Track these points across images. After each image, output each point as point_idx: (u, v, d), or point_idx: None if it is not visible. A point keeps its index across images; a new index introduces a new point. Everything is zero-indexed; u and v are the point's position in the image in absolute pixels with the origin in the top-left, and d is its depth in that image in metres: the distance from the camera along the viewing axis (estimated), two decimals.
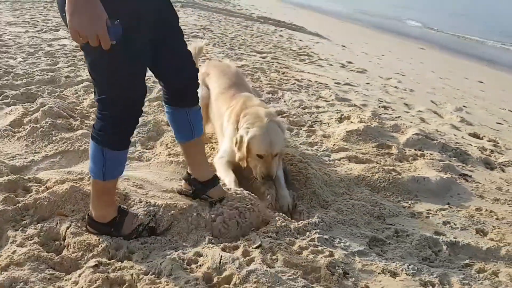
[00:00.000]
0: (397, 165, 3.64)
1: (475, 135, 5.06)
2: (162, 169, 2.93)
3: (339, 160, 3.62)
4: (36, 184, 2.51)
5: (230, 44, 8.66)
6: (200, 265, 2.03)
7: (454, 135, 4.84)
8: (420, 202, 3.08)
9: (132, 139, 3.20)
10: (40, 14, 10.14)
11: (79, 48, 6.77)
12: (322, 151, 3.79)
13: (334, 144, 3.93)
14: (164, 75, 2.29)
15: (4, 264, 1.91)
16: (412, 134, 4.23)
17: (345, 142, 4.00)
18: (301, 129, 4.28)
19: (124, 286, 1.88)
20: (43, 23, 8.91)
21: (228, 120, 3.12)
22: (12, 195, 2.35)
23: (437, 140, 4.19)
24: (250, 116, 2.93)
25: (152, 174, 2.84)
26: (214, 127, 3.50)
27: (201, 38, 8.84)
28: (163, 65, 2.23)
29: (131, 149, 3.14)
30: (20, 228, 2.17)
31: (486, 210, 3.03)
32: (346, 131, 4.16)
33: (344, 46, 12.40)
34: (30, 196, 2.37)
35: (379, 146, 4.00)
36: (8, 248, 2.03)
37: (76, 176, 2.67)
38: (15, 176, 2.54)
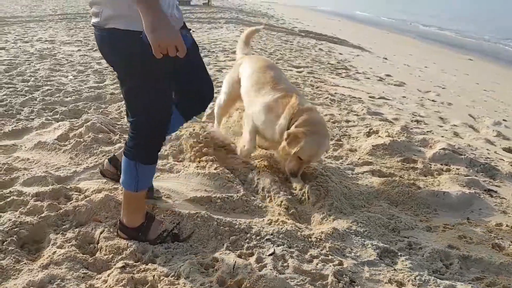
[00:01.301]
0: (420, 179, 3.71)
1: (510, 150, 5.00)
2: (189, 180, 3.16)
3: (362, 174, 3.73)
4: (76, 193, 2.81)
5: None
6: (216, 270, 2.23)
7: (487, 149, 4.82)
8: (438, 216, 3.15)
9: (165, 152, 3.50)
10: (92, 33, 10.80)
11: None
12: (347, 164, 3.91)
13: (359, 158, 4.04)
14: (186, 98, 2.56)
15: (45, 263, 2.19)
16: (439, 149, 4.27)
17: (371, 156, 4.11)
18: None
19: (147, 286, 2.10)
20: (94, 42, 9.49)
21: (274, 115, 3.31)
22: (55, 203, 2.65)
23: (465, 155, 4.20)
24: (311, 123, 3.16)
25: (179, 185, 3.08)
26: (244, 99, 3.70)
27: None
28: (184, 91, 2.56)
29: (163, 162, 3.42)
30: (61, 232, 2.45)
31: (507, 226, 3.05)
32: (372, 145, 4.26)
33: (385, 59, 12.36)
34: (70, 203, 2.66)
35: (404, 161, 4.07)
36: (49, 249, 2.30)
37: (111, 186, 2.95)
38: (58, 185, 2.85)
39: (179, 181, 3.15)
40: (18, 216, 2.47)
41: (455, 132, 5.46)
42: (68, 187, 2.87)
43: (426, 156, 4.22)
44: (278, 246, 2.46)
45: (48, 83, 5.82)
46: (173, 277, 2.15)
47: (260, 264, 2.30)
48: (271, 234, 2.55)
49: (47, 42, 9.40)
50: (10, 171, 3.07)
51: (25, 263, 2.19)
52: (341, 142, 4.48)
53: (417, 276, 2.34)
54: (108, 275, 2.15)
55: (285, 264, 2.31)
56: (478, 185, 3.67)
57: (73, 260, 2.22)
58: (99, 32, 2.13)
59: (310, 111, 3.25)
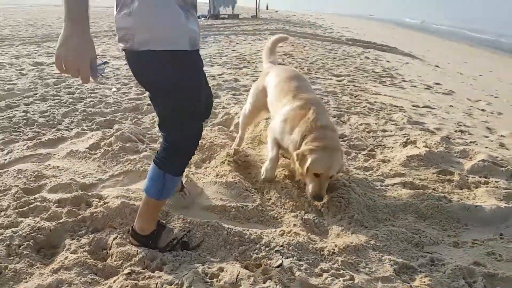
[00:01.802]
0: (455, 192, 3.51)
1: None
2: (206, 188, 3.16)
3: (392, 186, 3.58)
4: (96, 200, 2.88)
5: (307, 69, 8.84)
6: (219, 280, 2.20)
7: None
8: (468, 232, 2.95)
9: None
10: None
11: None
12: (377, 176, 3.78)
13: (391, 169, 3.89)
14: None
15: (56, 268, 2.25)
16: (479, 161, 4.03)
17: (404, 167, 3.94)
18: (360, 153, 4.29)
19: None
20: None
21: (289, 126, 3.25)
22: (75, 209, 2.74)
23: (507, 167, 3.94)
24: (319, 139, 3.07)
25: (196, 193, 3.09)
26: (271, 109, 3.69)
27: (283, 65, 9.15)
28: None
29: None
30: (76, 237, 2.52)
31: None
32: (407, 156, 4.09)
33: (437, 67, 11.94)
34: (89, 210, 2.73)
35: (440, 173, 3.87)
36: (63, 254, 2.37)
37: (131, 193, 3.01)
38: (80, 192, 2.95)
39: (194, 189, 3.16)
40: (38, 222, 2.57)
41: (501, 143, 5.13)
42: (90, 194, 2.96)
43: (464, 168, 4.00)
44: (287, 258, 2.39)
45: (92, 95, 6.07)
46: (176, 286, 2.14)
47: (266, 276, 2.24)
48: (281, 246, 2.49)
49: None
50: (39, 178, 3.21)
51: (37, 267, 2.27)
52: (374, 153, 4.34)
53: None
54: (114, 281, 2.17)
55: (292, 277, 2.24)
56: None
57: (83, 266, 2.27)
58: (133, 55, 2.14)
59: (323, 129, 3.14)
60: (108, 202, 2.78)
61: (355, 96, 6.76)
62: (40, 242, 2.47)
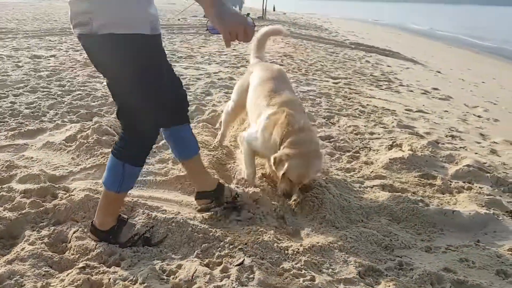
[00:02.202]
0: (435, 196, 3.45)
1: None
2: (179, 184, 3.12)
3: (371, 188, 3.51)
4: (63, 192, 2.84)
5: (305, 70, 8.78)
6: (176, 277, 2.15)
7: None
8: (443, 237, 2.88)
9: (166, 157, 3.47)
10: None
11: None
12: (357, 177, 3.71)
13: (372, 171, 3.83)
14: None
15: (11, 259, 2.21)
16: (464, 166, 3.96)
17: (386, 170, 3.88)
18: (344, 155, 4.23)
19: None
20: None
21: (268, 136, 3.14)
22: (39, 200, 2.70)
23: (491, 173, 3.86)
24: (297, 144, 2.95)
25: (168, 189, 3.04)
26: (248, 113, 3.64)
27: (281, 65, 9.10)
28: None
29: (161, 165, 3.40)
30: (37, 229, 2.48)
31: None
32: (390, 159, 4.02)
33: (438, 72, 11.83)
34: (53, 202, 2.69)
35: (422, 176, 3.81)
36: (21, 245, 2.33)
37: (100, 186, 2.96)
38: (48, 184, 2.91)
39: (169, 185, 3.11)
40: (0, 212, 2.52)
41: (493, 149, 5.05)
42: (57, 186, 2.92)
43: (448, 172, 3.92)
44: (249, 256, 2.33)
45: (82, 88, 6.04)
46: (129, 282, 2.10)
47: (224, 274, 2.19)
48: (245, 244, 2.43)
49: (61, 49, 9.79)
50: (11, 168, 3.18)
51: None
52: (358, 155, 4.27)
53: None
54: (67, 275, 2.13)
55: (251, 276, 2.19)
56: (500, 206, 3.33)
57: (38, 258, 2.23)
58: (92, 40, 2.10)
59: (300, 132, 3.02)
60: (73, 195, 2.73)
61: (348, 99, 6.69)
62: (0, 232, 2.42)
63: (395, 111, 6.29)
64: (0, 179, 3.03)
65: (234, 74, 7.89)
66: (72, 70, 7.30)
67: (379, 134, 4.98)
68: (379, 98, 7.10)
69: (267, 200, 3.04)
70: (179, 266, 2.23)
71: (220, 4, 2.02)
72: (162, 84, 2.28)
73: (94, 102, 5.34)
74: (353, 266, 2.38)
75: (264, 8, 26.24)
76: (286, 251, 2.44)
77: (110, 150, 3.36)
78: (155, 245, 2.44)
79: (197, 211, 2.81)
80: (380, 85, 8.37)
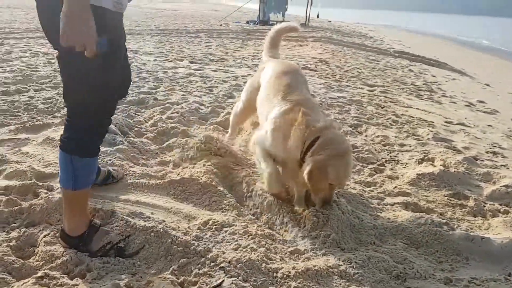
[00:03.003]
0: (465, 219, 3.02)
1: None
2: (172, 189, 2.85)
3: (392, 205, 3.12)
4: (45, 191, 2.63)
5: (339, 76, 8.38)
6: None
7: None
8: (467, 267, 2.46)
9: (167, 159, 3.22)
10: (178, 47, 11.10)
11: (189, 74, 7.23)
12: (377, 193, 3.33)
13: (396, 187, 3.43)
14: None
15: None
16: (502, 186, 3.49)
17: (412, 186, 3.47)
18: (367, 167, 3.85)
19: None
20: (174, 54, 9.70)
21: (282, 135, 2.78)
22: (17, 198, 2.49)
23: None
24: (330, 144, 2.63)
25: (160, 194, 2.78)
26: (258, 112, 3.29)
27: (313, 70, 8.76)
28: None
29: (159, 168, 3.15)
30: (7, 230, 2.27)
31: None
32: (417, 174, 3.61)
33: (487, 85, 11.10)
34: (30, 201, 2.48)
35: (453, 196, 3.37)
36: None
37: None
38: (32, 181, 2.70)
39: (159, 190, 2.84)
40: None
41: None
42: (41, 184, 2.72)
43: (483, 193, 3.46)
44: (230, 277, 2.02)
45: None
46: None
47: None
48: (229, 262, 2.12)
49: (132, 51, 9.79)
50: (1, 162, 3.01)
51: None
52: (382, 168, 3.87)
53: None
54: (22, 284, 1.89)
55: None
56: None
57: None
58: (46, 4, 1.90)
59: (325, 130, 2.68)
60: (52, 195, 2.51)
61: (382, 107, 6.25)
62: None
63: (432, 122, 5.80)
64: None
65: None
66: None
67: (410, 146, 4.54)
68: (417, 108, 6.61)
69: (267, 215, 2.72)
70: (148, 283, 1.95)
71: (76, 5, 1.71)
72: (116, 65, 2.03)
73: None
74: None
75: (307, 15, 25.89)
76: (275, 274, 2.11)
77: (107, 149, 3.22)
78: (128, 256, 2.17)
79: None
80: (421, 95, 7.86)
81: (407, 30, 37.25)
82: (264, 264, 2.15)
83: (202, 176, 2.96)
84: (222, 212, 2.68)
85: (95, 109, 2.03)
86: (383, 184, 3.50)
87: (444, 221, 2.81)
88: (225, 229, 2.45)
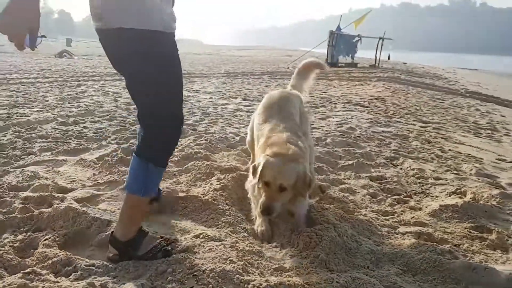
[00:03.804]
0: (482, 252, 2.83)
1: None
2: (174, 205, 2.98)
3: (404, 234, 3.00)
4: (58, 202, 2.87)
5: (392, 112, 8.22)
6: None
7: None
8: None
9: (182, 180, 3.39)
10: (237, 87, 11.55)
11: (237, 110, 7.49)
12: (392, 222, 3.21)
13: (413, 217, 3.29)
14: None
15: None
16: None
17: (431, 217, 3.32)
18: (390, 197, 3.73)
19: None
20: (231, 93, 10.12)
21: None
22: (30, 207, 2.76)
23: None
24: (271, 145, 2.85)
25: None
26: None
27: (364, 106, 8.69)
28: None
29: (170, 186, 3.31)
30: (15, 233, 2.51)
31: None
32: (440, 205, 3.45)
33: None
34: (41, 209, 2.73)
35: (475, 228, 3.17)
36: None
37: (97, 198, 2.98)
38: (47, 193, 2.97)
39: (165, 205, 2.99)
40: None
41: None
42: (56, 196, 2.97)
43: (510, 227, 3.22)
44: (201, 285, 2.08)
45: None
46: None
47: None
48: (203, 271, 2.18)
49: (193, 91, 10.37)
50: (33, 178, 3.35)
51: None
52: (407, 199, 3.73)
53: None
54: (12, 277, 2.08)
55: None
56: None
57: None
58: (105, 33, 2.13)
59: (276, 137, 2.90)
60: (60, 205, 2.74)
61: (429, 142, 6.03)
62: None
63: (482, 159, 5.48)
64: (17, 186, 3.18)
65: (310, 113, 7.69)
66: None
67: (446, 180, 4.33)
68: (469, 145, 6.29)
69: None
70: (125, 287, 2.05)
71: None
72: (177, 81, 2.24)
73: None
74: None
75: (376, 56, 25.82)
76: (246, 285, 2.12)
77: (127, 169, 3.44)
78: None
79: None
80: (479, 133, 7.46)
81: (494, 73, 35.45)
82: (237, 276, 2.17)
83: (206, 194, 3.07)
84: (217, 228, 2.75)
85: (167, 122, 2.23)
86: (402, 214, 3.37)
87: (448, 249, 2.65)
88: (213, 242, 2.52)
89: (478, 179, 4.49)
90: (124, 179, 3.35)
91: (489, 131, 7.75)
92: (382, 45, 26.01)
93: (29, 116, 6.10)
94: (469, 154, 5.62)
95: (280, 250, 2.60)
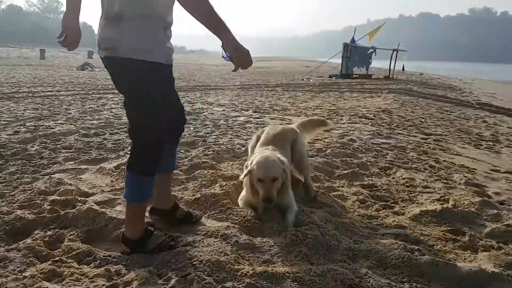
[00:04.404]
0: (453, 252, 3.18)
1: None
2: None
3: (383, 235, 3.37)
4: (80, 204, 3.34)
5: (396, 125, 8.56)
6: (122, 280, 2.42)
7: None
8: None
9: (190, 186, 3.84)
10: (250, 99, 12.03)
11: (247, 122, 7.94)
12: (374, 224, 3.58)
13: (394, 221, 3.66)
14: None
15: (10, 248, 2.70)
16: (503, 224, 3.57)
17: (412, 221, 3.67)
18: (377, 203, 4.09)
19: (59, 278, 2.42)
20: (244, 105, 10.60)
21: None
22: (57, 208, 3.24)
23: None
24: (259, 153, 3.59)
25: None
26: None
27: (369, 119, 9.04)
28: None
29: (178, 191, 3.76)
30: (45, 230, 2.99)
31: None
32: (421, 211, 3.81)
33: None
34: (66, 210, 3.20)
35: (451, 231, 3.51)
36: (25, 240, 2.83)
37: (115, 202, 3.44)
38: (71, 197, 3.45)
39: None
40: (22, 213, 3.11)
41: None
42: (80, 199, 3.44)
43: (483, 231, 3.56)
44: (198, 271, 2.50)
45: None
46: (84, 276, 2.43)
47: (165, 282, 2.40)
48: (201, 261, 2.61)
49: (207, 103, 10.87)
50: (59, 184, 3.85)
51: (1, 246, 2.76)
52: (393, 205, 4.10)
53: None
54: (41, 264, 2.54)
55: (184, 283, 2.37)
56: None
57: (31, 250, 2.69)
58: (116, 62, 2.58)
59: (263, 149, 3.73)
60: (82, 206, 3.21)
61: (425, 153, 6.37)
62: (16, 229, 2.99)
63: (475, 169, 5.78)
64: (45, 191, 3.67)
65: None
66: None
67: (434, 189, 4.66)
68: (466, 156, 6.59)
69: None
70: (136, 273, 2.49)
71: (231, 32, 2.53)
72: (168, 106, 2.74)
73: None
74: None
75: (390, 68, 26.09)
76: (235, 273, 2.54)
77: None
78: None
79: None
80: (480, 144, 7.74)
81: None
82: (229, 265, 2.59)
83: (216, 194, 3.58)
84: (222, 222, 3.22)
85: (155, 139, 2.72)
86: (385, 218, 3.74)
87: (417, 248, 3.03)
88: (211, 238, 2.96)
89: (466, 188, 4.80)
90: None
91: (491, 143, 8.01)
92: (396, 56, 26.30)
93: (53, 128, 6.67)
94: (463, 165, 5.93)
95: (269, 246, 3.00)
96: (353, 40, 26.72)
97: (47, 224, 3.08)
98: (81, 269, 2.52)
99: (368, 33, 27.20)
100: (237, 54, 2.53)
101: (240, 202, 3.62)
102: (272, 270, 2.59)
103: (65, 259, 2.62)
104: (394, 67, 26.74)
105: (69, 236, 2.89)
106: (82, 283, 2.35)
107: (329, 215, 3.55)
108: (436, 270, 2.80)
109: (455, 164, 5.95)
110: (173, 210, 3.20)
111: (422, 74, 36.60)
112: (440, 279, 2.75)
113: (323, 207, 3.77)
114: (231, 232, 3.08)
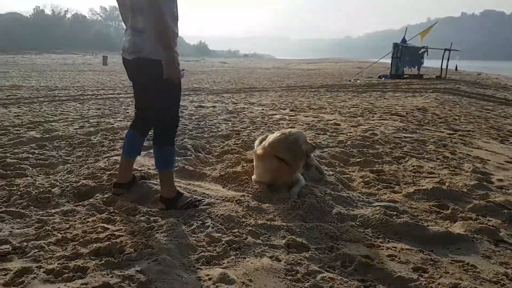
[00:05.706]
0: (432, 220, 3.75)
1: None
2: (210, 179, 4.26)
3: (374, 207, 4.01)
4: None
5: (427, 122, 8.94)
6: (156, 224, 3.28)
7: None
8: (397, 242, 3.28)
9: (218, 167, 4.67)
10: (291, 100, 12.74)
11: (281, 119, 8.69)
12: (370, 199, 4.22)
13: (389, 197, 4.28)
14: None
15: (77, 204, 3.66)
16: (485, 200, 4.09)
17: (404, 197, 4.25)
18: (379, 185, 4.70)
19: (114, 223, 3.31)
20: (282, 105, 11.34)
21: None
22: (113, 179, 4.17)
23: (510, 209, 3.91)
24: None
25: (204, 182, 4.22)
26: None
27: (401, 116, 9.48)
28: None
29: (208, 170, 4.59)
30: (103, 193, 3.94)
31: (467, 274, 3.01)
32: (415, 189, 4.41)
33: None
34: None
35: (437, 206, 4.07)
36: (89, 200, 3.77)
37: (156, 176, 4.32)
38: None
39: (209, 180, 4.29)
40: (87, 182, 4.11)
41: None
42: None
43: (466, 206, 4.10)
44: (212, 221, 3.33)
45: (207, 127, 7.70)
46: (133, 223, 3.31)
47: (187, 227, 3.23)
48: (216, 215, 3.44)
49: (249, 103, 11.72)
50: (115, 164, 4.80)
51: (71, 203, 3.72)
52: (395, 186, 4.69)
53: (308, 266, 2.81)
54: (101, 214, 3.46)
55: (204, 230, 3.19)
56: (490, 233, 3.44)
57: (92, 206, 3.63)
58: (141, 62, 3.39)
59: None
60: (103, 177, 4.25)
61: (444, 146, 6.80)
62: (82, 192, 3.95)
63: (488, 161, 6.13)
64: (106, 168, 4.64)
65: (345, 122, 8.68)
66: (215, 115, 9.15)
67: (438, 175, 5.17)
68: (486, 150, 6.93)
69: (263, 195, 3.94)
70: (166, 221, 3.34)
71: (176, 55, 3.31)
72: (179, 94, 3.58)
73: (208, 135, 6.89)
74: (287, 239, 3.13)
75: (442, 68, 25.82)
76: (242, 223, 3.34)
77: (180, 158, 4.78)
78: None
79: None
80: (507, 140, 8.01)
81: None
82: (237, 219, 3.40)
83: (237, 172, 4.40)
84: (239, 192, 4.05)
85: (176, 119, 3.62)
86: (382, 195, 4.37)
87: (395, 213, 3.67)
88: (227, 202, 3.76)
89: (470, 175, 5.24)
90: (177, 164, 4.70)
91: None
92: (449, 56, 26.01)
93: (113, 124, 7.76)
94: (478, 156, 6.31)
95: (274, 209, 3.76)
96: (403, 40, 26.65)
97: (105, 190, 4.01)
98: (128, 218, 3.41)
99: (420, 32, 27.06)
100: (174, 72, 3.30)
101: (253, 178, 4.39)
102: (271, 223, 3.35)
103: (117, 211, 3.52)
104: (447, 66, 26.43)
105: (121, 198, 3.79)
106: (129, 225, 3.23)
107: (331, 190, 4.24)
108: (407, 229, 3.44)
109: (470, 155, 6.35)
110: (133, 180, 4.01)
111: (480, 74, 35.63)
112: (410, 237, 3.38)
113: (327, 185, 4.46)
114: (244, 199, 3.87)
